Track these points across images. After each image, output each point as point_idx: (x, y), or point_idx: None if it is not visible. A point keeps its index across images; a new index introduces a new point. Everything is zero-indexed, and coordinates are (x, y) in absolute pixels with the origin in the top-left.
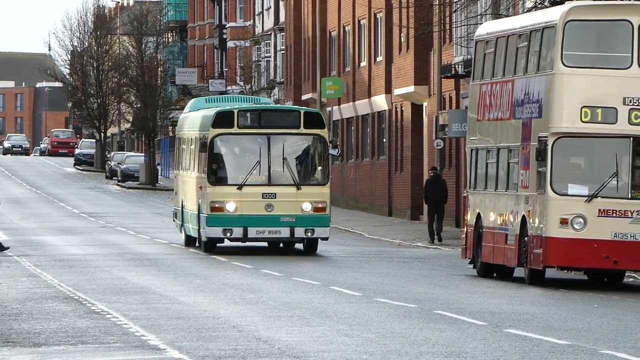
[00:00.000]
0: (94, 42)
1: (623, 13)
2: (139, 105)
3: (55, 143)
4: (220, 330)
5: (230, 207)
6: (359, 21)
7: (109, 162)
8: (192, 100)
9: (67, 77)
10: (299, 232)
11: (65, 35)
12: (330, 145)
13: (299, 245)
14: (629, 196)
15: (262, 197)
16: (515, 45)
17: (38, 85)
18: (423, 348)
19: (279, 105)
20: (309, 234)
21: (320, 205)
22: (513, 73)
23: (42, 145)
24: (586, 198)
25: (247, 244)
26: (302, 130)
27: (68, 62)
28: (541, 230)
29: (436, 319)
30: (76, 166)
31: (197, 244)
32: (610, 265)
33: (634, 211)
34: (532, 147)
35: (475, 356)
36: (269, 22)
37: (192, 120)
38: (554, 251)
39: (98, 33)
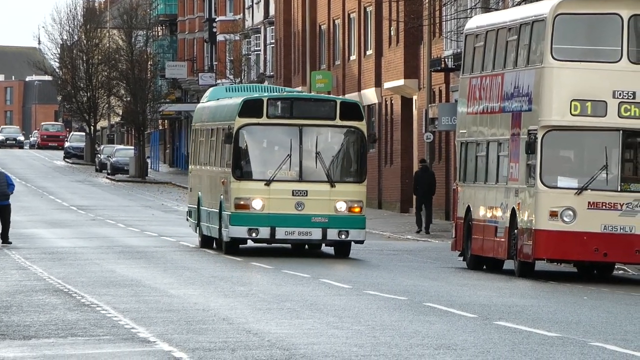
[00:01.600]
0: (83, 36)
1: (613, 6)
2: (128, 99)
3: (45, 136)
4: (210, 323)
5: (256, 204)
6: (348, 15)
7: (99, 155)
8: (210, 90)
9: (57, 70)
10: (332, 233)
11: (55, 29)
12: (369, 139)
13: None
14: (619, 189)
15: (292, 195)
16: (505, 39)
17: (28, 78)
18: (413, 340)
19: (313, 94)
20: (343, 237)
21: (355, 205)
22: (503, 66)
23: (31, 139)
24: (576, 191)
25: (271, 245)
26: (338, 122)
27: (58, 55)
28: (531, 223)
29: (426, 312)
30: (66, 159)
31: (214, 245)
32: (600, 257)
33: (623, 204)
34: (522, 140)
35: (465, 348)
36: (258, 16)
37: (213, 110)
38: (543, 244)
39: (88, 27)
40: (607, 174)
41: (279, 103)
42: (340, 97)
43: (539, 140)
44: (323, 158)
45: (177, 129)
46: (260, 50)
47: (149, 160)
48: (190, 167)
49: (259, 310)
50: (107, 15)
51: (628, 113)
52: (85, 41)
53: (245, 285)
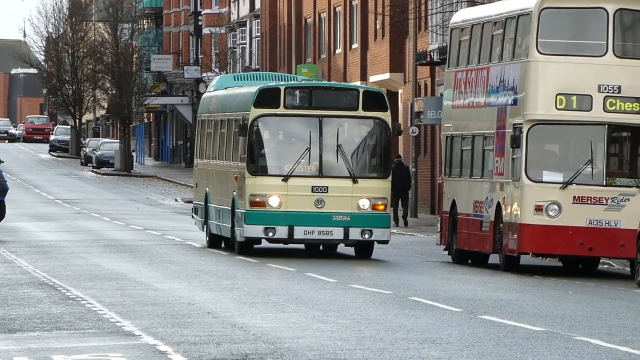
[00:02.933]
0: (69, 29)
1: (598, 0)
2: (114, 92)
3: (30, 129)
4: (195, 317)
5: (273, 201)
6: (334, 8)
7: (84, 149)
8: (217, 78)
9: (42, 63)
10: (355, 233)
11: (40, 22)
12: (394, 131)
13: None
14: (604, 183)
15: (312, 191)
16: (491, 33)
17: (13, 71)
18: (398, 334)
19: (333, 82)
20: (366, 236)
21: (380, 203)
22: (488, 60)
23: (17, 132)
24: (561, 185)
25: (287, 245)
26: (361, 112)
27: (43, 48)
28: (516, 217)
29: (411, 306)
30: (51, 152)
31: (222, 245)
32: (585, 252)
33: (608, 198)
34: (507, 134)
35: (450, 342)
36: (244, 9)
37: (222, 99)
38: (528, 238)
39: (73, 20)
40: (592, 168)
41: (297, 92)
42: (364, 85)
43: (524, 135)
44: (345, 151)
45: (162, 122)
46: (245, 44)
47: (134, 154)
48: (195, 161)
49: (244, 304)
50: (93, 8)
51: (613, 107)
52: (70, 34)
53: (230, 279)
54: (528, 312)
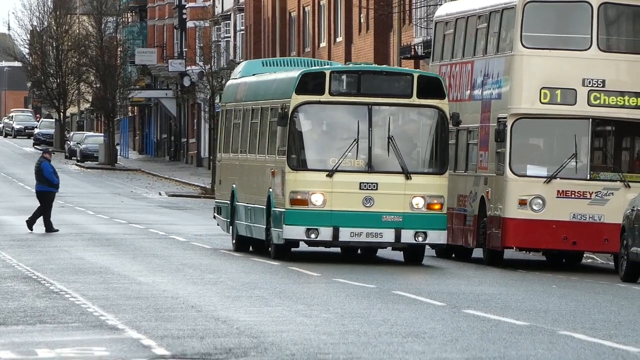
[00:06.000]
0: (53, 22)
1: None
2: (98, 85)
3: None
4: (179, 311)
5: (316, 199)
6: (318, 2)
7: (68, 142)
8: (243, 63)
9: (27, 56)
10: (407, 235)
11: (25, 15)
12: (451, 121)
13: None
14: (588, 177)
15: (360, 188)
16: (475, 27)
17: None
18: (381, 328)
19: (385, 66)
20: (420, 239)
21: (435, 201)
22: (472, 54)
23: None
24: (545, 179)
25: (324, 248)
26: (415, 99)
27: (27, 41)
28: (500, 211)
29: (395, 300)
30: (35, 146)
31: (250, 248)
32: (569, 246)
33: (592, 192)
34: (492, 128)
35: (433, 336)
36: (228, 3)
37: (253, 86)
38: (512, 232)
39: (58, 13)
40: (576, 162)
41: (344, 77)
42: (418, 70)
43: (508, 128)
44: (397, 144)
45: (146, 115)
46: (230, 37)
47: (118, 147)
48: (219, 155)
49: (228, 297)
50: (77, 1)
51: (598, 101)
52: (55, 27)
53: (214, 273)
54: (512, 306)
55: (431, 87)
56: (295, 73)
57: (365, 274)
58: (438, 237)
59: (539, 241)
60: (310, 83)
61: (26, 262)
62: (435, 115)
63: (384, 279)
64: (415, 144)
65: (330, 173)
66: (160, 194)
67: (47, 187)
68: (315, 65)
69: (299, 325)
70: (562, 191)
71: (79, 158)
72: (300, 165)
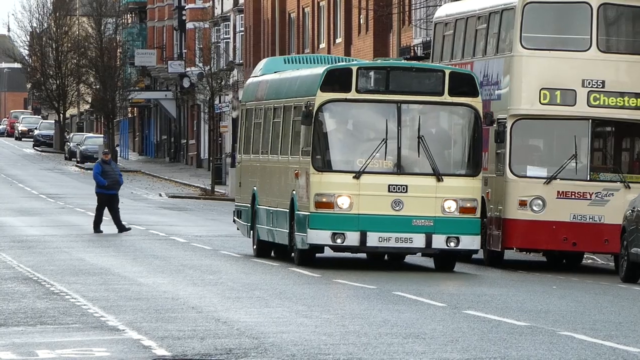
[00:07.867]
0: (53, 23)
1: None
2: (98, 87)
3: (14, 124)
4: (179, 312)
5: (343, 202)
6: (318, 3)
7: (68, 143)
8: (265, 60)
9: (26, 58)
10: (438, 241)
11: (25, 17)
12: (485, 119)
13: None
14: (588, 178)
15: (389, 191)
16: (474, 27)
17: None
18: (382, 329)
19: (414, 62)
20: (452, 244)
21: (469, 205)
22: (472, 55)
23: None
24: (545, 180)
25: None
26: (447, 97)
27: (27, 43)
28: (500, 212)
29: (395, 300)
30: (35, 147)
31: (272, 253)
32: (569, 247)
33: (592, 193)
34: (491, 129)
35: (434, 337)
36: (228, 4)
37: (275, 84)
38: (512, 233)
39: (57, 14)
40: (576, 163)
41: (371, 73)
42: (450, 66)
43: (508, 129)
44: (427, 144)
45: (146, 116)
46: (229, 38)
47: (118, 149)
48: (238, 156)
49: (228, 298)
50: (77, 3)
51: (597, 102)
52: (54, 29)
53: (214, 274)
54: (512, 307)
55: (464, 84)
56: (320, 70)
57: (366, 275)
58: (471, 242)
59: (539, 242)
60: (336, 80)
61: (26, 264)
62: (468, 114)
63: (384, 280)
64: (446, 144)
65: (357, 174)
66: (160, 195)
67: (97, 188)
68: (339, 62)
69: (299, 326)
70: (562, 192)
71: (78, 159)
72: (325, 166)
